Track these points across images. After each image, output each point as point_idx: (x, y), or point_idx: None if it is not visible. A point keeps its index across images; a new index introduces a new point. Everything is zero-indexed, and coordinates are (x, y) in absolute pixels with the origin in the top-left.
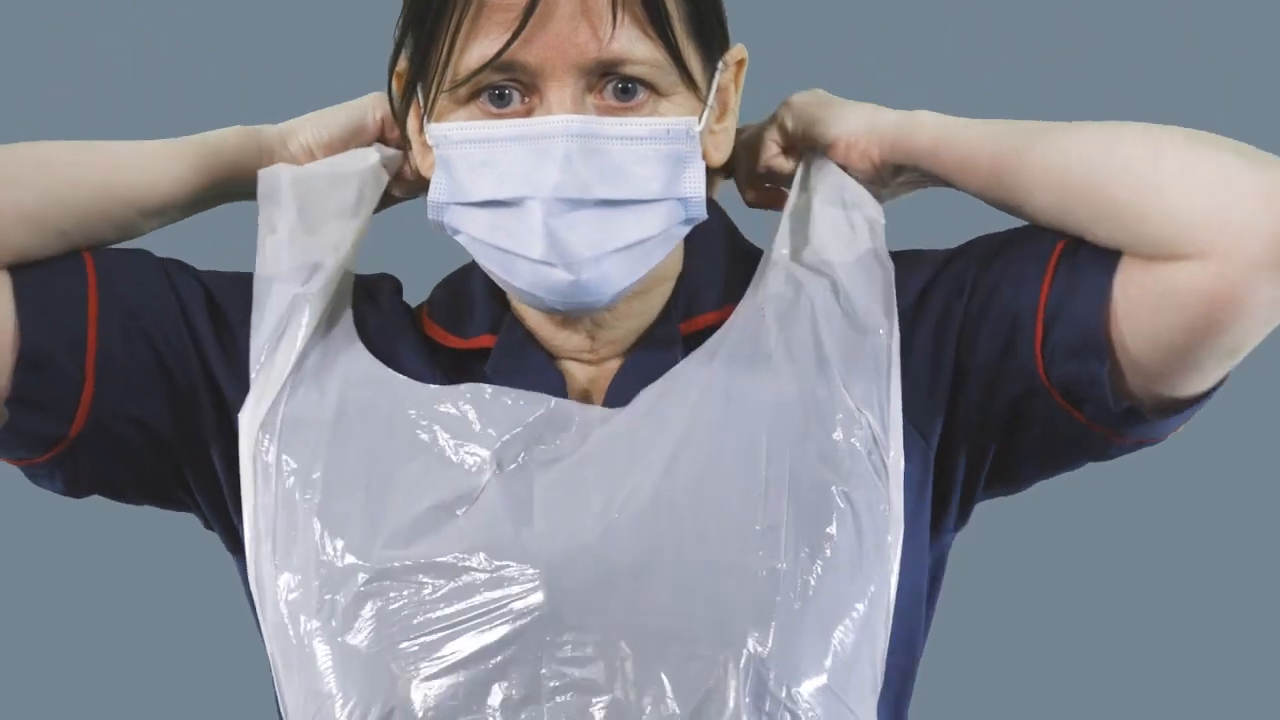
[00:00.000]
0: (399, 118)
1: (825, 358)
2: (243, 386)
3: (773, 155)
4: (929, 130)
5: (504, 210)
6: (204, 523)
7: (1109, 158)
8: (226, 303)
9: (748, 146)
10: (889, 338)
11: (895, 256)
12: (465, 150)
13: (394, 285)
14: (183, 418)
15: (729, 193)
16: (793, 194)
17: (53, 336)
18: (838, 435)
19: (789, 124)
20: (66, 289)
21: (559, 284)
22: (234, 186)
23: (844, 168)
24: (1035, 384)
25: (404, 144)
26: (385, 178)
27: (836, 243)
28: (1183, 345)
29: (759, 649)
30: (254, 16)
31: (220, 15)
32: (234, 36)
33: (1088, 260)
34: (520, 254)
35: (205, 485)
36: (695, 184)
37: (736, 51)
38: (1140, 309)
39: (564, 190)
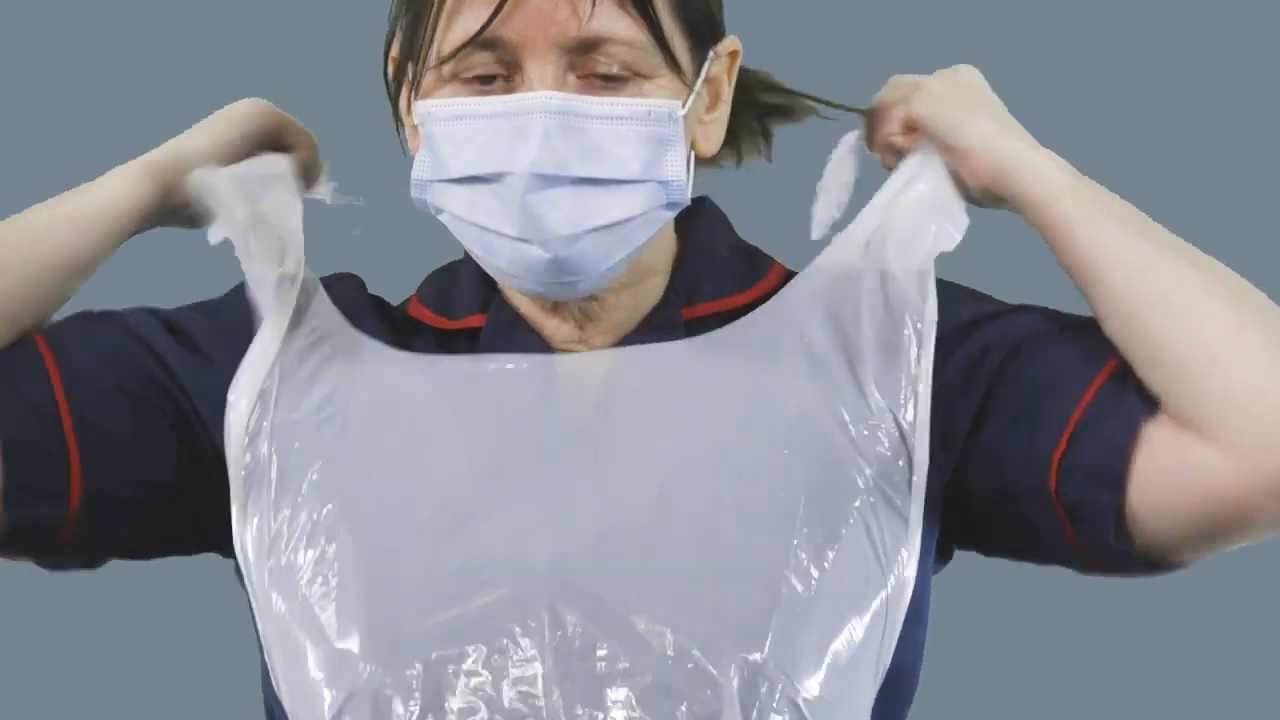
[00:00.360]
0: (392, 100)
1: (859, 354)
2: (221, 400)
3: (893, 133)
4: (1042, 182)
5: (483, 186)
6: (224, 553)
7: (1189, 305)
8: (186, 324)
9: (874, 116)
10: (921, 341)
11: (953, 287)
12: (448, 127)
13: (357, 282)
14: (183, 454)
15: (727, 192)
16: (892, 180)
17: (25, 421)
18: (861, 440)
19: (918, 109)
20: (25, 371)
21: (536, 262)
22: (153, 222)
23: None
24: (1042, 488)
25: (287, 147)
26: (302, 182)
27: (910, 242)
28: (1182, 522)
29: (756, 655)
30: (241, 18)
31: (208, 18)
32: (221, 38)
33: (1135, 392)
34: (498, 231)
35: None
36: (677, 167)
37: (730, 43)
38: (1159, 472)
39: (542, 166)
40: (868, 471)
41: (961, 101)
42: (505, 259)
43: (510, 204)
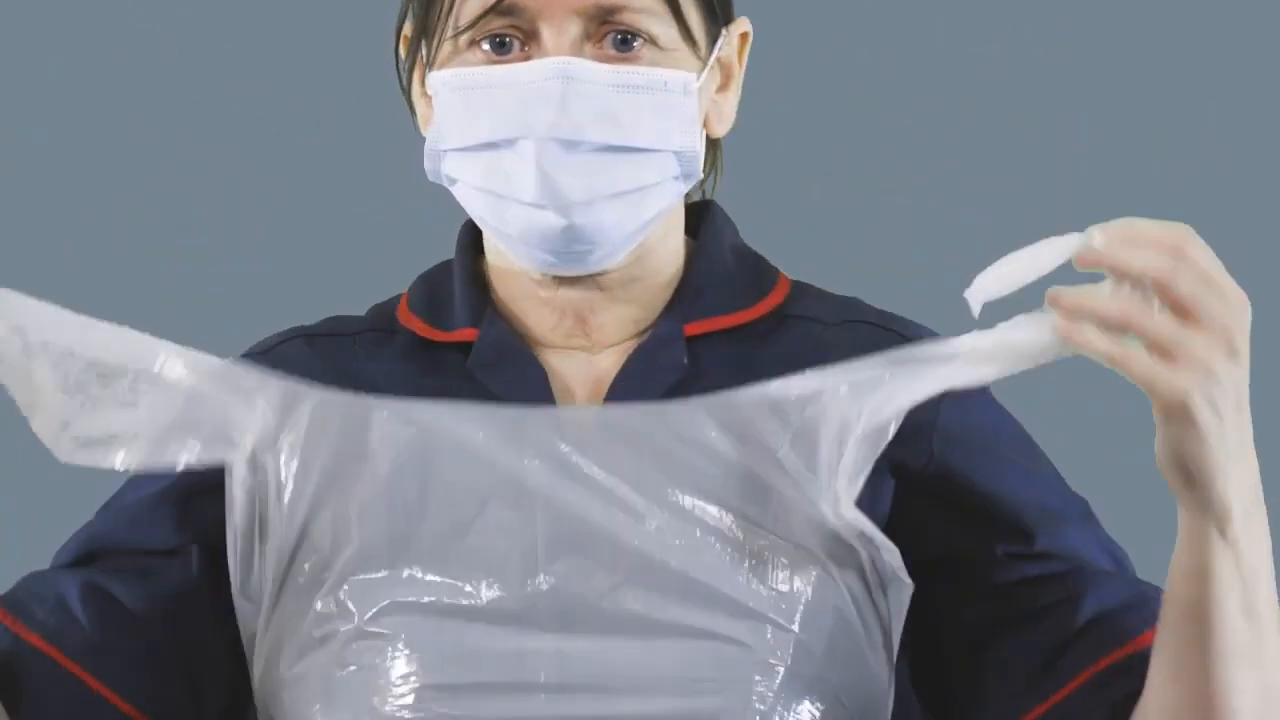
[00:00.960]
0: (403, 80)
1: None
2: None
3: (1096, 338)
4: (1196, 536)
5: (498, 152)
6: None
7: None
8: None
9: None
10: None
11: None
12: (464, 95)
13: (297, 344)
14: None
15: (729, 195)
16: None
17: None
18: (840, 551)
19: (1199, 423)
20: (51, 685)
21: (551, 229)
22: None
23: None
24: None
25: None
26: None
27: (894, 399)
28: None
29: (760, 705)
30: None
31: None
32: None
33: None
34: (512, 197)
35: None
36: (691, 138)
37: (741, 24)
38: None
39: (558, 131)
40: (851, 568)
41: (1232, 433)
42: (519, 226)
43: (526, 169)
